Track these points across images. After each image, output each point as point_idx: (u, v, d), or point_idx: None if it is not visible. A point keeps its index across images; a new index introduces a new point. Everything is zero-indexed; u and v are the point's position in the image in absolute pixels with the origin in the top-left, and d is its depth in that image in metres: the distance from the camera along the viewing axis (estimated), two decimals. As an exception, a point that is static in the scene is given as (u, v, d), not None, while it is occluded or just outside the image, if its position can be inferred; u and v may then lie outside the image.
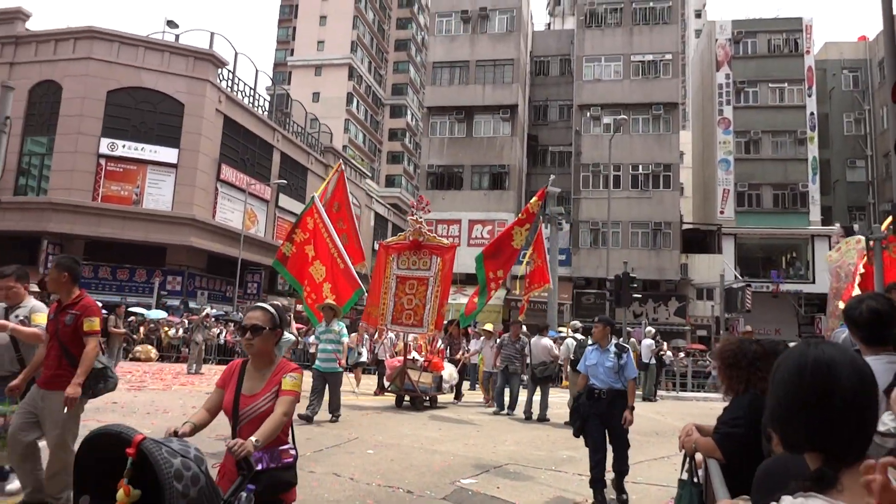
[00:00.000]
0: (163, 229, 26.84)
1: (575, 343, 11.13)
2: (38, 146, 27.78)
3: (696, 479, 3.18)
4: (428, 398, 12.02)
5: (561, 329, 19.74)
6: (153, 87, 27.87)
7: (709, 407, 14.57)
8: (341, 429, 8.98)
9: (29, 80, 26.91)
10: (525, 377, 12.47)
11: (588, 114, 33.14)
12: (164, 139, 27.78)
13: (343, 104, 61.82)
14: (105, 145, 26.96)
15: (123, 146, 27.21)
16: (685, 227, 33.76)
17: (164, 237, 26.90)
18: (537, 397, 11.55)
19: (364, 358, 15.62)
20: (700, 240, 33.79)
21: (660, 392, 17.96)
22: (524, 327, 14.16)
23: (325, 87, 62.36)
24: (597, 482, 5.80)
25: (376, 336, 14.64)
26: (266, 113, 34.94)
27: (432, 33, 36.47)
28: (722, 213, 33.28)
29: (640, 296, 22.48)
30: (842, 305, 9.93)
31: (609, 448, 5.97)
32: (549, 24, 51.84)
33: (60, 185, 26.47)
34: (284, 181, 33.69)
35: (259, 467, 2.64)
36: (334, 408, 9.65)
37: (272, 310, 2.95)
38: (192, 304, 27.06)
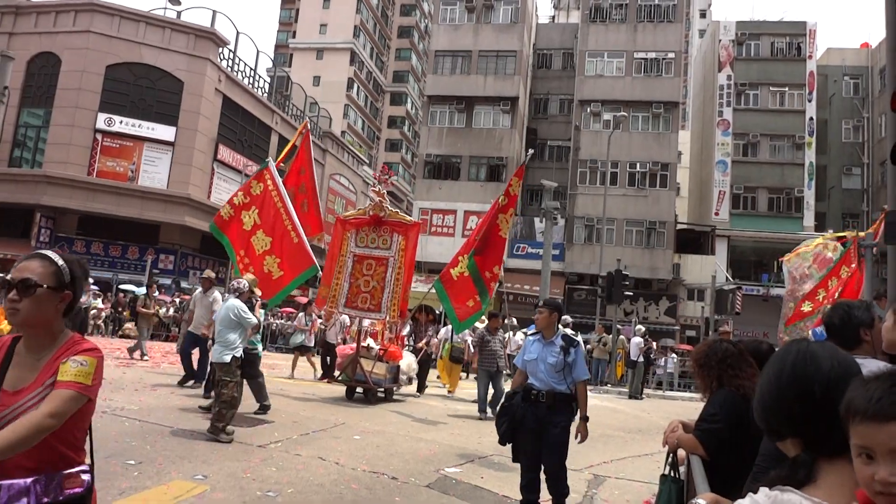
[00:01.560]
0: (157, 207, 26.71)
1: (565, 337, 11.15)
2: (35, 118, 27.54)
3: (677, 475, 3.23)
4: (383, 390, 11.00)
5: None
6: (153, 63, 27.65)
7: (694, 407, 14.67)
8: (328, 413, 9.02)
9: (28, 52, 26.64)
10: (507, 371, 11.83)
11: (588, 109, 33.10)
12: (162, 116, 27.60)
13: (343, 89, 61.52)
14: (102, 120, 26.76)
15: (121, 122, 27.02)
16: (679, 226, 33.87)
17: (158, 215, 26.78)
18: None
19: (303, 339, 14.44)
20: (694, 240, 33.92)
21: (646, 390, 18.09)
22: (514, 320, 14.23)
23: (326, 72, 62.01)
24: None
25: (323, 319, 13.16)
26: (266, 95, 34.75)
27: (436, 21, 36.29)
28: (717, 214, 33.38)
29: (631, 294, 22.60)
30: (807, 307, 10.01)
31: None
32: (553, 17, 51.62)
33: (56, 158, 26.29)
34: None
35: None
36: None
37: (59, 261, 1.94)
38: (183, 284, 27.00)
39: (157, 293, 14.39)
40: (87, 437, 2.00)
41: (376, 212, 11.03)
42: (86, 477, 1.93)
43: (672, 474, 3.22)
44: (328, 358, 13.62)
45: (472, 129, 34.07)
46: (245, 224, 10.26)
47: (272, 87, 37.14)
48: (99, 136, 26.86)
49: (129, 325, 20.23)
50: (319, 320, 14.20)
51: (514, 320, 13.23)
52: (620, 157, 31.20)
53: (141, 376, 10.44)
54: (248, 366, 7.63)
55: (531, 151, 13.73)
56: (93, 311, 17.21)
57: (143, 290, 22.35)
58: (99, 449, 5.61)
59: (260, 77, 34.45)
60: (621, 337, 20.07)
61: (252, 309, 7.72)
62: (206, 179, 28.96)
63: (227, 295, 7.67)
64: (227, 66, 30.67)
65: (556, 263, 28.02)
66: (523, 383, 4.94)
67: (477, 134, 33.75)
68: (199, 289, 10.93)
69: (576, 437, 4.80)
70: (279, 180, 10.42)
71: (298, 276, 10.13)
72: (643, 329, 18.00)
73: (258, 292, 8.81)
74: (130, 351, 13.43)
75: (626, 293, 21.00)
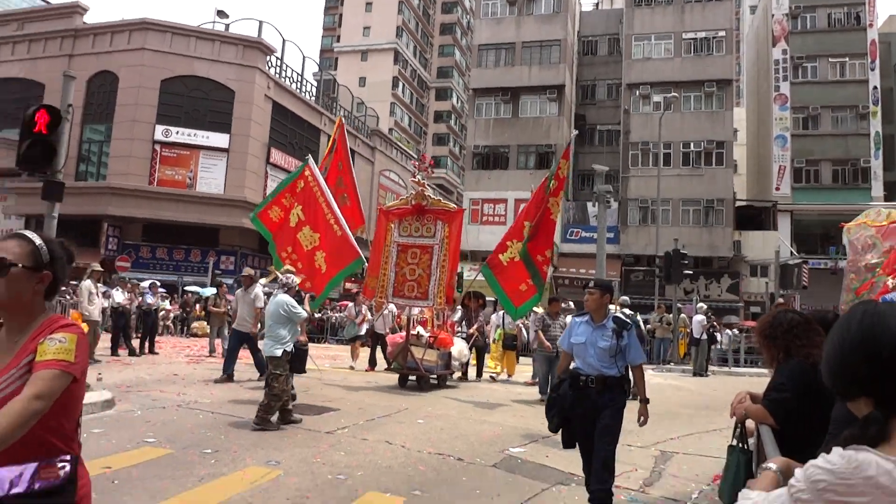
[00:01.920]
0: (216, 211, 27.55)
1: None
2: (97, 134, 28.83)
3: (745, 446, 3.17)
4: (436, 377, 10.95)
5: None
6: (205, 75, 28.52)
7: (760, 382, 14.27)
8: (391, 400, 9.18)
9: (87, 72, 27.84)
10: None
11: (637, 92, 32.47)
12: (216, 125, 28.46)
13: (389, 88, 62.04)
14: (160, 132, 27.78)
15: (177, 132, 28.00)
16: (738, 204, 32.89)
17: (217, 219, 27.62)
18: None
19: (355, 330, 14.53)
20: (754, 217, 32.88)
21: (711, 367, 17.74)
22: (571, 304, 14.06)
23: (371, 72, 62.65)
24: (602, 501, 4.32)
25: (374, 309, 13.15)
26: (313, 98, 35.37)
27: (478, 16, 36.21)
28: (777, 189, 32.25)
29: (691, 272, 22.01)
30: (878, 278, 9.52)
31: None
32: (597, 4, 50.89)
33: (118, 170, 27.45)
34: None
35: None
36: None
37: (37, 240, 1.84)
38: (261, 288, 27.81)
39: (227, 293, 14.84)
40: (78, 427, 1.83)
41: (418, 201, 11.05)
42: (64, 467, 1.74)
43: (740, 445, 3.17)
44: (377, 348, 13.62)
45: (518, 118, 33.86)
46: (290, 221, 10.39)
47: (319, 90, 37.77)
48: (157, 147, 27.89)
49: (196, 324, 20.97)
50: (365, 308, 14.19)
51: (571, 304, 13.07)
52: (673, 138, 30.50)
53: (210, 371, 10.83)
54: (296, 360, 7.68)
55: (576, 132, 13.59)
56: (161, 313, 17.91)
57: (208, 291, 23.20)
58: (176, 440, 5.90)
59: (307, 81, 35.08)
60: (682, 315, 19.65)
61: (301, 302, 7.82)
62: (260, 182, 29.71)
63: (276, 291, 7.75)
64: (275, 73, 31.35)
65: (611, 246, 27.60)
66: (568, 367, 4.64)
67: (524, 123, 33.52)
68: (241, 287, 11.01)
69: (638, 421, 4.51)
70: (320, 176, 10.49)
71: (344, 269, 10.18)
72: (705, 307, 17.61)
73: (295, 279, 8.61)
74: (211, 351, 14.05)
75: (686, 272, 20.51)
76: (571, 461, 6.03)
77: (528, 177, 32.20)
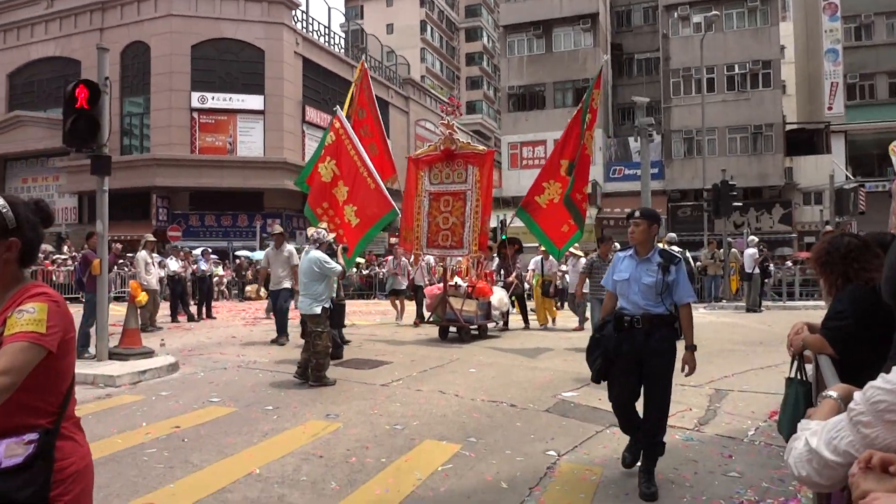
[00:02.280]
0: (258, 175, 27.90)
1: (672, 256, 10.76)
2: (136, 106, 29.28)
3: (804, 378, 3.12)
4: (476, 328, 10.76)
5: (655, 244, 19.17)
6: (233, 36, 28.47)
7: (818, 315, 13.97)
8: (441, 352, 9.32)
9: (119, 44, 28.09)
10: None
11: (676, 14, 30.96)
12: (249, 87, 28.54)
13: (417, 33, 60.83)
14: (196, 99, 28.03)
15: (212, 98, 28.20)
16: (789, 127, 31.50)
17: (260, 182, 28.00)
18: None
19: (402, 286, 14.15)
20: (806, 140, 31.47)
21: (765, 302, 17.35)
22: (618, 245, 13.81)
23: (398, 17, 61.42)
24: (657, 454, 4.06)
25: (412, 261, 12.66)
26: (342, 50, 35.00)
27: (503, -53, 34.86)
28: (830, 109, 30.69)
29: (740, 204, 21.36)
30: None
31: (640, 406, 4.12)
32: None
33: (161, 141, 27.94)
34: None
35: None
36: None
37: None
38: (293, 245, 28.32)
39: None
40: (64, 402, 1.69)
41: (447, 145, 10.64)
42: (31, 445, 1.58)
43: (798, 377, 3.11)
44: (422, 301, 13.10)
45: (552, 53, 32.83)
46: (324, 176, 10.12)
47: (347, 41, 37.31)
48: (195, 115, 28.20)
49: (249, 287, 21.55)
50: (404, 261, 13.76)
51: (618, 245, 12.78)
52: (716, 61, 29.14)
53: (266, 332, 11.16)
54: (335, 315, 7.55)
55: (605, 58, 12.77)
56: (215, 279, 18.46)
57: (258, 254, 23.71)
58: (239, 399, 6.14)
59: (334, 34, 34.66)
60: (733, 250, 19.20)
61: (334, 256, 7.64)
62: (297, 142, 29.86)
63: (307, 246, 7.53)
64: (302, 27, 31.05)
65: (655, 182, 26.92)
66: (613, 308, 4.22)
67: (559, 58, 32.51)
68: (271, 246, 10.68)
69: (682, 370, 4.03)
70: (349, 127, 10.15)
71: (378, 222, 9.92)
72: (756, 240, 17.10)
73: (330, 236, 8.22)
74: (267, 311, 14.31)
75: (735, 204, 19.91)
76: (624, 401, 6.07)
77: (567, 115, 31.15)
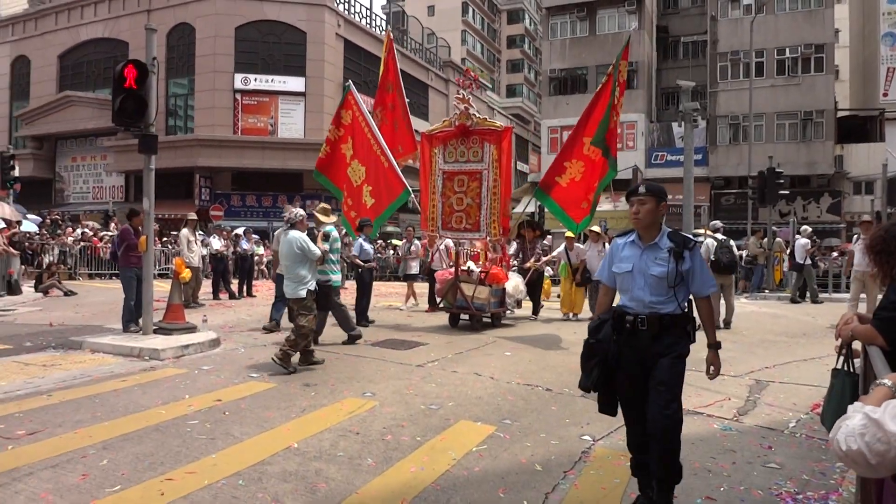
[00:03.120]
0: (298, 156, 28.22)
1: (715, 243, 10.41)
2: (181, 88, 29.86)
3: (851, 369, 3.03)
4: (489, 315, 10.11)
5: (698, 232, 18.79)
6: (275, 18, 28.74)
7: (865, 308, 13.53)
8: (479, 333, 9.34)
9: (165, 25, 28.63)
10: None
11: (725, -5, 30.10)
12: (291, 69, 28.82)
13: (458, 15, 60.39)
14: (239, 80, 28.44)
15: (255, 79, 28.58)
16: (840, 114, 30.41)
17: (300, 163, 28.30)
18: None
19: (414, 271, 13.75)
20: (859, 128, 30.37)
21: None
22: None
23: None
24: (641, 469, 3.41)
25: (426, 243, 11.62)
26: (383, 33, 34.98)
27: (547, -73, 34.24)
28: (885, 95, 29.56)
29: (787, 193, 20.74)
30: None
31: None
32: None
33: (204, 122, 28.47)
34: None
35: None
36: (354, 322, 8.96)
37: None
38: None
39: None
40: None
41: (462, 121, 9.85)
42: None
43: (846, 368, 3.03)
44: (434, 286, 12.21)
45: (596, 36, 32.27)
46: (347, 157, 10.01)
47: (388, 23, 37.28)
48: (238, 96, 28.62)
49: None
50: (417, 244, 13.39)
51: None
52: (766, 45, 28.28)
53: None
54: (322, 297, 7.25)
55: (634, 26, 11.53)
56: (256, 258, 18.79)
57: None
58: (277, 375, 6.27)
59: (376, 16, 34.65)
60: (778, 240, 18.68)
61: (314, 240, 7.34)
62: (338, 124, 30.06)
63: (283, 227, 7.22)
64: (344, 9, 31.13)
65: (699, 169, 26.40)
66: (609, 306, 3.45)
67: (602, 41, 31.94)
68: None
69: (707, 372, 3.36)
70: (363, 104, 9.90)
71: (393, 203, 9.61)
72: (809, 230, 16.57)
73: (327, 220, 7.87)
74: None
75: (782, 192, 19.37)
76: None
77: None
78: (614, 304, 3.47)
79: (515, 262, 11.62)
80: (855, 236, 11.06)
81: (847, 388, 2.99)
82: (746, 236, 21.09)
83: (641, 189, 3.39)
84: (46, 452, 4.00)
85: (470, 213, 9.91)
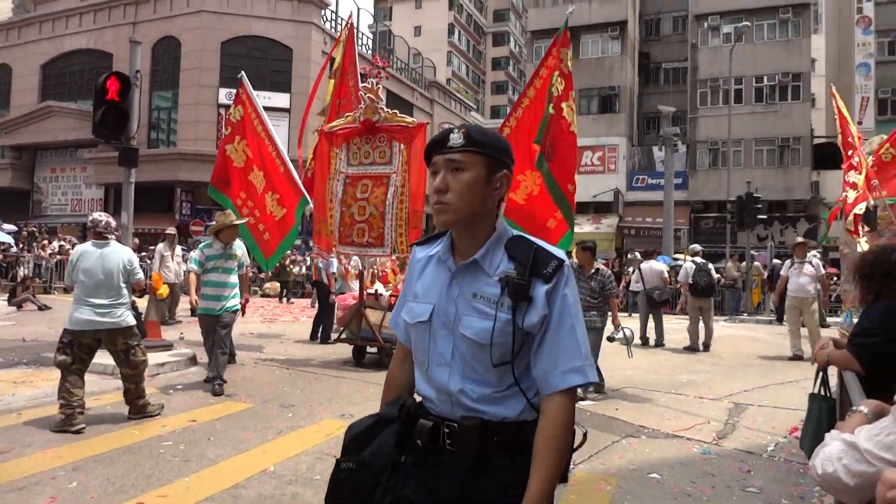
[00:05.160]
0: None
1: (694, 266, 10.63)
2: (165, 101, 29.69)
3: (828, 394, 3.07)
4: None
5: (677, 256, 19.03)
6: (262, 34, 28.77)
7: (841, 333, 13.71)
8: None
9: (151, 38, 28.51)
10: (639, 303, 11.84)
11: (705, 24, 30.70)
12: (276, 85, 28.79)
13: (444, 36, 61.01)
14: (223, 95, 28.31)
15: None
16: (816, 141, 31.05)
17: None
18: (651, 323, 11.28)
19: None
20: (834, 154, 30.85)
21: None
22: (638, 254, 13.69)
23: (426, 20, 61.68)
24: None
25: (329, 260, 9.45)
26: (370, 52, 35.18)
27: (533, -48, 34.82)
28: (860, 123, 30.14)
29: (765, 217, 21.09)
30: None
31: None
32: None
33: (187, 136, 28.29)
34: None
35: None
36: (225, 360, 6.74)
37: None
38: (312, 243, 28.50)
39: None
40: None
41: (368, 116, 8.05)
42: None
43: (822, 393, 3.06)
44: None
45: (579, 60, 32.65)
46: (236, 161, 8.77)
47: (375, 43, 37.52)
48: (222, 111, 28.46)
49: (268, 284, 21.68)
50: (321, 264, 10.38)
51: (638, 255, 12.57)
52: (745, 72, 28.84)
53: (283, 329, 11.22)
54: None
55: (572, 8, 9.64)
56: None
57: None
58: (255, 395, 6.16)
59: (362, 34, 34.84)
60: (756, 264, 18.93)
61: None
62: (322, 141, 30.05)
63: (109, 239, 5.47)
64: (331, 27, 31.29)
65: (679, 192, 26.77)
66: (405, 389, 1.84)
67: (585, 65, 32.36)
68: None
69: None
70: (255, 96, 8.88)
71: (295, 212, 8.37)
72: (818, 253, 16.72)
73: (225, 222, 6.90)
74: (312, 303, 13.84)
75: (759, 217, 19.67)
76: (642, 413, 6.02)
77: (592, 122, 31.30)
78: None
79: None
80: (788, 260, 10.41)
81: (824, 412, 3.02)
82: (725, 259, 21.33)
83: (456, 138, 1.53)
84: (14, 474, 3.89)
85: (372, 224, 8.09)
